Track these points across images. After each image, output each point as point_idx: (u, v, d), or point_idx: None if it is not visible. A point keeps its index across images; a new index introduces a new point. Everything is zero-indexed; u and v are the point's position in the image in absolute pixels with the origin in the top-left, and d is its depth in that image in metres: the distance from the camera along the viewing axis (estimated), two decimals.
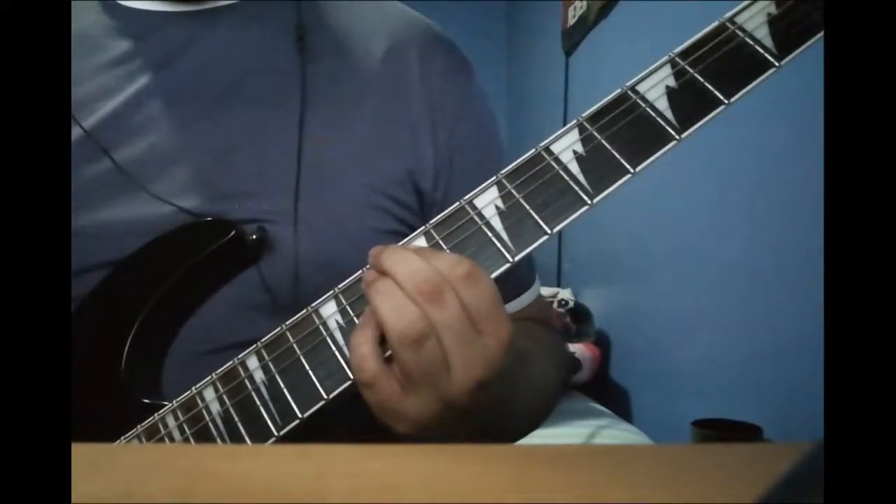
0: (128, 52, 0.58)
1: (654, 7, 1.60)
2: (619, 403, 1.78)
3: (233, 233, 0.51)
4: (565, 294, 1.99)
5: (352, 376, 0.42)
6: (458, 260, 0.39)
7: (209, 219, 0.52)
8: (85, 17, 0.60)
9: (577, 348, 1.79)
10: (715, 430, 1.15)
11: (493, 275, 0.42)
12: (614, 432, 1.51)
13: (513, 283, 0.61)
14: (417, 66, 0.60)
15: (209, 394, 0.46)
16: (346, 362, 0.43)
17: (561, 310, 1.88)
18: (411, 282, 0.38)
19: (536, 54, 2.75)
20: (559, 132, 0.43)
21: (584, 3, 2.09)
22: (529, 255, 0.43)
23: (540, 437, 1.44)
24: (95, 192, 0.53)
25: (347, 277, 0.44)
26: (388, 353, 0.40)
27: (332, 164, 0.56)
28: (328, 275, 0.45)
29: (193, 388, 0.46)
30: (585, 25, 2.07)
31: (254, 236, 0.52)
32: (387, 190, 0.57)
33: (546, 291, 1.97)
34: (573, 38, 2.20)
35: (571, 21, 2.22)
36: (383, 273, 0.40)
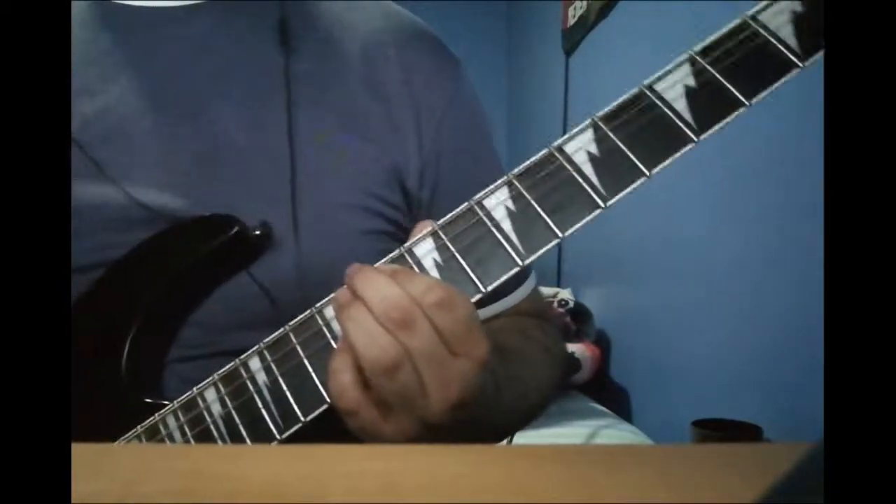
0: (108, 47, 0.56)
1: (654, 7, 1.60)
2: (619, 403, 1.78)
3: (236, 228, 0.50)
4: (565, 294, 1.98)
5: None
6: (430, 285, 0.38)
7: (211, 214, 0.51)
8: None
9: (577, 348, 1.79)
10: (715, 430, 1.15)
11: (502, 278, 0.41)
12: (614, 432, 1.51)
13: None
14: (401, 63, 0.59)
15: (211, 395, 0.45)
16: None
17: (561, 310, 1.88)
18: (381, 307, 0.37)
19: (536, 54, 2.74)
20: (573, 132, 0.42)
21: (584, 3, 2.09)
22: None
23: (540, 437, 1.44)
24: (76, 192, 0.52)
25: (339, 280, 0.43)
26: None
27: (318, 166, 0.55)
28: (319, 277, 0.45)
29: (195, 389, 0.46)
30: (585, 25, 2.07)
31: (257, 232, 0.51)
32: (374, 190, 0.56)
33: (546, 291, 1.97)
34: (573, 38, 2.20)
35: (571, 21, 2.22)
36: (356, 295, 0.39)
